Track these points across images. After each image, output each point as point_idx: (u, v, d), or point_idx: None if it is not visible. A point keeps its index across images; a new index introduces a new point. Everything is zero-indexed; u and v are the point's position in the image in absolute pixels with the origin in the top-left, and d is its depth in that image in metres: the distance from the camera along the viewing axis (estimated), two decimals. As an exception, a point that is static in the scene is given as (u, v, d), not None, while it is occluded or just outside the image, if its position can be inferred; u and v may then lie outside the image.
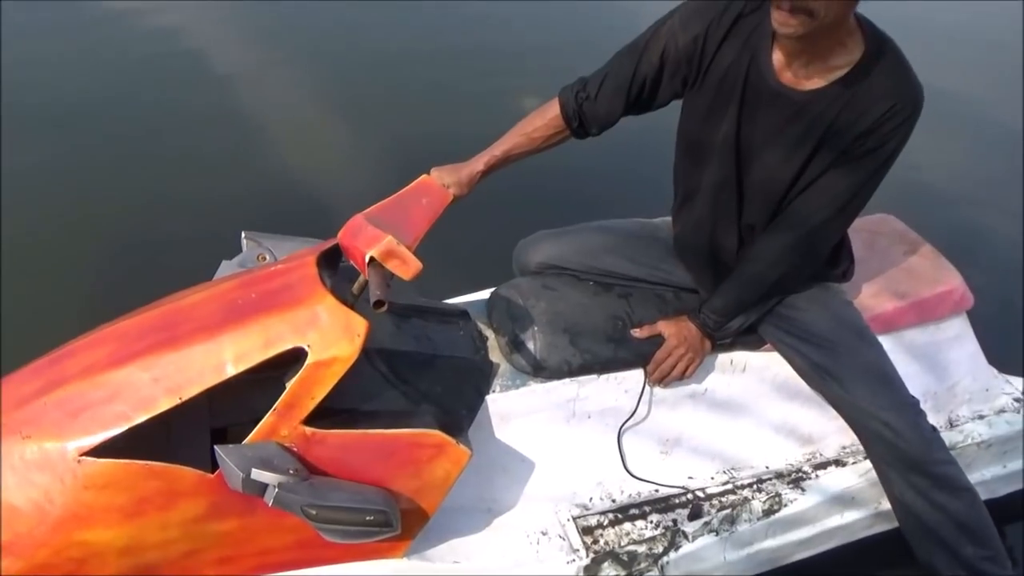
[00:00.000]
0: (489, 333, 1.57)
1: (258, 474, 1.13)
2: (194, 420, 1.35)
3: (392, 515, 1.20)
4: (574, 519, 1.52)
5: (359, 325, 1.21)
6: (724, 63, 1.35)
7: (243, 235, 1.61)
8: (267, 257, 1.59)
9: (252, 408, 1.54)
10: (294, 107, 3.64)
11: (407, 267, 1.16)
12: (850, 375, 1.47)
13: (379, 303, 1.10)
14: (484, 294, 1.71)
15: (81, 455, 1.16)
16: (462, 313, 1.58)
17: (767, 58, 1.33)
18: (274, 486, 1.12)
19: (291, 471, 1.16)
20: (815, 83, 1.31)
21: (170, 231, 2.79)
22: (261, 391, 1.45)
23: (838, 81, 1.30)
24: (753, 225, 1.45)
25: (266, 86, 3.83)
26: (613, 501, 1.56)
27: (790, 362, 1.55)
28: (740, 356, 1.60)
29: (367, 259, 1.15)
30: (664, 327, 1.51)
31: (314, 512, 1.13)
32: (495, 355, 1.52)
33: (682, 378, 1.52)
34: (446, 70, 3.98)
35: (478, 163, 1.48)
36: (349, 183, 3.08)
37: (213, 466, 1.48)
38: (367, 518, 1.17)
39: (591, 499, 1.56)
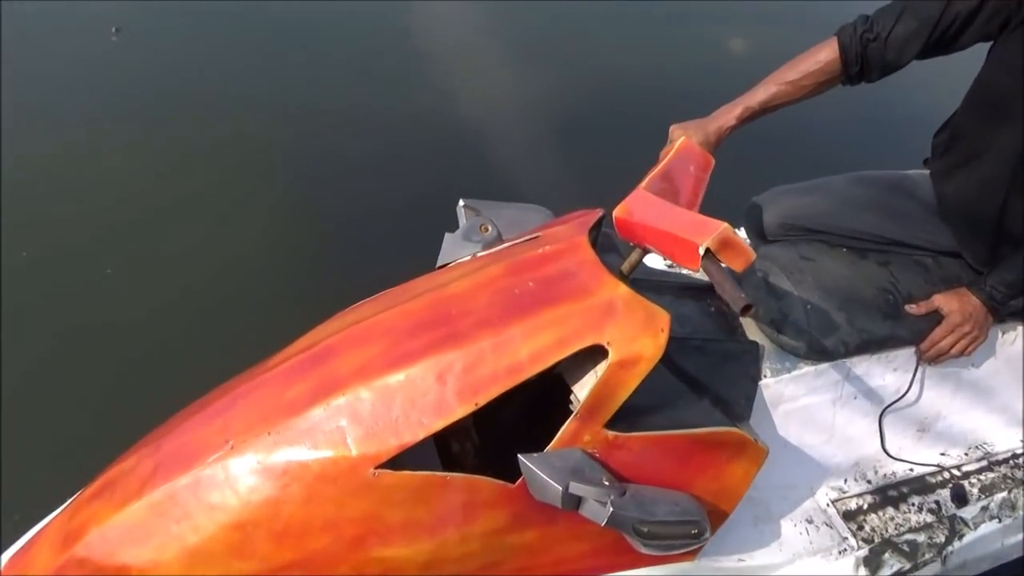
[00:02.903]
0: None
1: (577, 488, 1.03)
2: None
3: (705, 523, 1.11)
4: (833, 503, 1.43)
5: (661, 318, 1.08)
6: None
7: (461, 203, 1.48)
8: (489, 228, 1.46)
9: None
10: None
11: (743, 257, 1.01)
12: None
13: (747, 307, 0.97)
14: None
15: (376, 467, 1.06)
16: (708, 287, 1.45)
17: None
18: (603, 502, 1.02)
19: (604, 482, 1.06)
20: None
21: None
22: None
23: None
24: None
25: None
26: (868, 482, 1.47)
27: None
28: (1011, 329, 1.46)
29: (702, 251, 1.00)
30: (944, 302, 1.37)
31: (646, 530, 1.04)
32: (752, 333, 1.40)
33: (960, 357, 1.39)
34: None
35: (729, 116, 1.33)
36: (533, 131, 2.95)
37: (444, 460, 1.41)
38: (692, 531, 1.08)
39: (845, 480, 1.46)
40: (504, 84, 3.27)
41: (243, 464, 1.09)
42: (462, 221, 1.47)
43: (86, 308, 2.22)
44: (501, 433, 1.39)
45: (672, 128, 1.36)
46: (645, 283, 1.36)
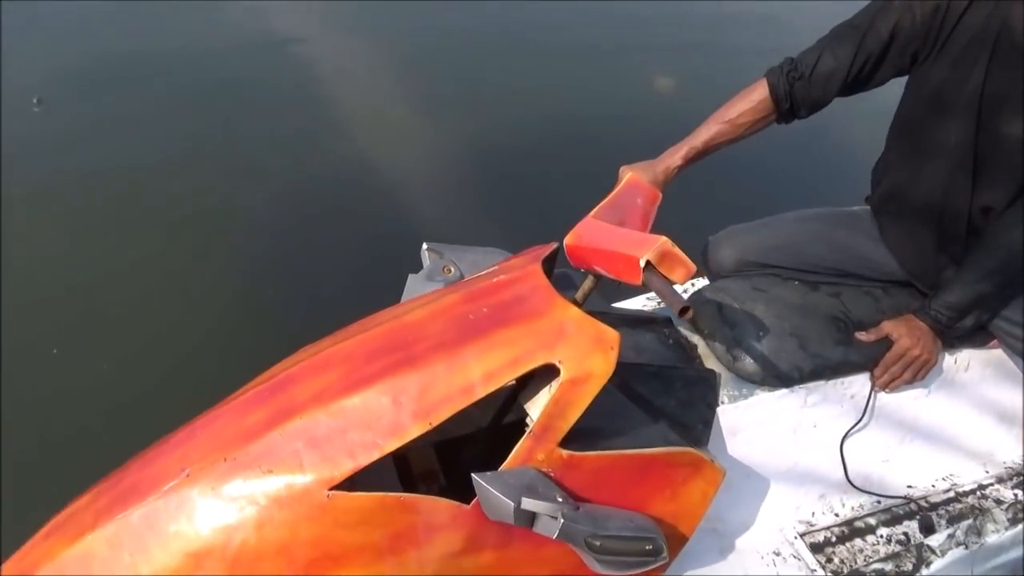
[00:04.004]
0: (696, 340, 1.47)
1: (529, 503, 1.04)
2: None
3: (660, 540, 1.11)
4: (801, 536, 1.42)
5: (611, 338, 1.11)
6: (967, 34, 1.26)
7: (424, 247, 1.53)
8: (452, 269, 1.51)
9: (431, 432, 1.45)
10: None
11: (684, 269, 1.06)
12: None
13: (685, 309, 1.00)
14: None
15: (329, 489, 1.06)
16: (665, 320, 1.48)
17: (1019, 17, 1.23)
18: (555, 516, 1.02)
19: (558, 499, 1.07)
20: None
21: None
22: None
23: None
24: (989, 208, 1.34)
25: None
26: (836, 515, 1.46)
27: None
28: (964, 355, 1.50)
29: (643, 263, 1.05)
30: (892, 328, 1.40)
31: (598, 543, 1.03)
32: (710, 363, 1.43)
33: (912, 382, 1.41)
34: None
35: (675, 157, 1.40)
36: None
37: (406, 487, 1.40)
38: (646, 547, 1.07)
39: (813, 514, 1.46)
40: (433, 138, 3.37)
41: (197, 491, 1.09)
42: (426, 263, 1.51)
43: (32, 386, 2.20)
44: (468, 477, 1.40)
45: (621, 169, 1.43)
46: (603, 316, 1.39)
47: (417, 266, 1.53)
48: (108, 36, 3.88)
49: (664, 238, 1.06)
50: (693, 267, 1.07)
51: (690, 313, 1.01)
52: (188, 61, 3.74)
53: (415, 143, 3.32)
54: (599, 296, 1.48)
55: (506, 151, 3.16)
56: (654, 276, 1.04)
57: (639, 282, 1.07)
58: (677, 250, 1.06)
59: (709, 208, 2.41)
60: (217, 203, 2.90)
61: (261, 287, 2.56)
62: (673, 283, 1.06)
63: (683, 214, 2.28)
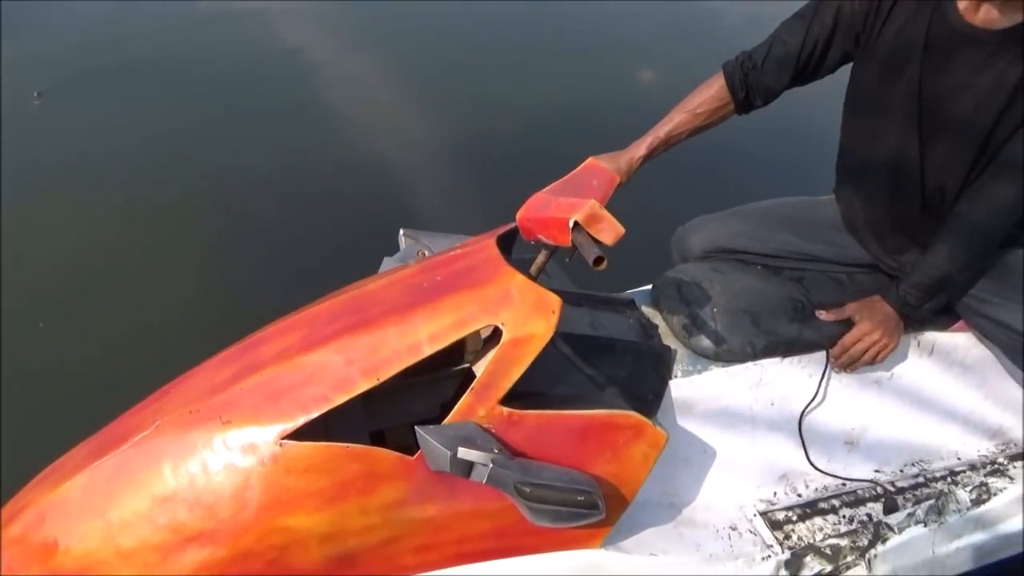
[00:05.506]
0: (658, 321, 1.51)
1: (465, 453, 1.09)
2: (351, 422, 1.33)
3: (598, 497, 1.14)
4: (761, 514, 1.43)
5: (553, 302, 1.17)
6: (901, 19, 1.30)
7: (401, 232, 1.61)
8: (426, 253, 1.58)
9: (407, 411, 1.52)
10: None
11: (612, 230, 1.12)
12: None
13: (599, 259, 1.06)
14: (633, 291, 1.67)
15: (282, 439, 1.14)
16: (628, 302, 1.53)
17: (952, 5, 1.27)
18: (486, 463, 1.07)
19: (495, 451, 1.12)
20: (1012, 19, 1.23)
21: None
22: (415, 394, 1.44)
23: None
24: (942, 187, 1.36)
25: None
26: (799, 496, 1.47)
27: (993, 338, 1.44)
28: (927, 337, 1.50)
29: (571, 224, 1.11)
30: (855, 309, 1.42)
31: (528, 490, 1.08)
32: (669, 341, 1.46)
33: (872, 364, 1.42)
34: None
35: (639, 148, 1.45)
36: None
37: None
38: (578, 498, 1.11)
39: (775, 493, 1.47)
40: (419, 130, 3.45)
41: (164, 440, 1.18)
42: (402, 247, 1.59)
43: (21, 360, 2.31)
44: None
45: (589, 158, 1.50)
46: (562, 293, 1.45)
47: (394, 250, 1.61)
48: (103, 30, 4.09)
49: (593, 201, 1.12)
50: (622, 229, 1.12)
51: (604, 264, 1.06)
52: (177, 55, 3.93)
53: (400, 135, 3.42)
54: (574, 283, 1.55)
55: (489, 144, 3.25)
56: (580, 235, 1.10)
57: (569, 243, 1.13)
58: (605, 212, 1.12)
59: (681, 199, 2.45)
60: (203, 190, 3.02)
61: (246, 268, 2.67)
62: (602, 244, 1.12)
63: (655, 205, 2.34)
